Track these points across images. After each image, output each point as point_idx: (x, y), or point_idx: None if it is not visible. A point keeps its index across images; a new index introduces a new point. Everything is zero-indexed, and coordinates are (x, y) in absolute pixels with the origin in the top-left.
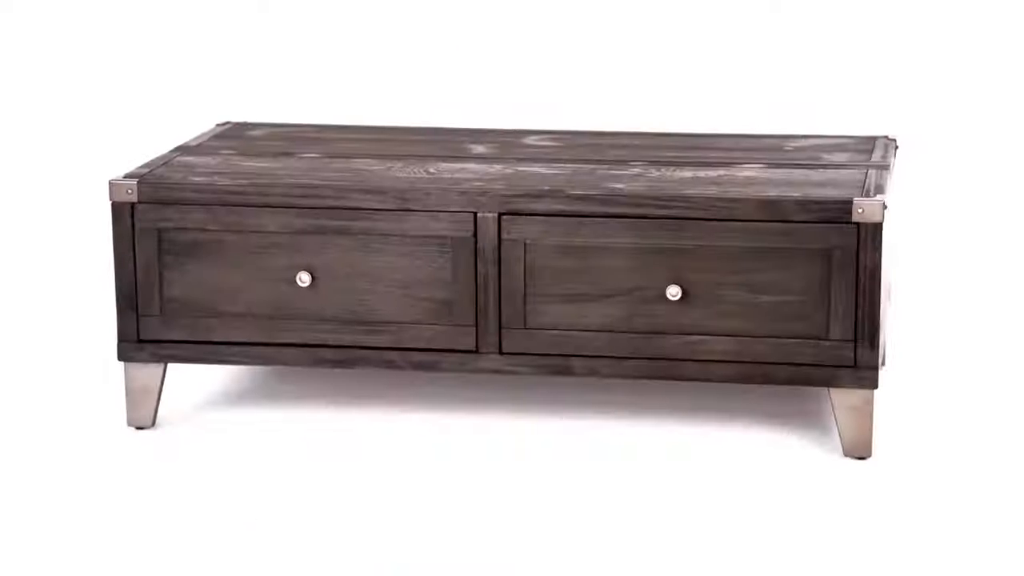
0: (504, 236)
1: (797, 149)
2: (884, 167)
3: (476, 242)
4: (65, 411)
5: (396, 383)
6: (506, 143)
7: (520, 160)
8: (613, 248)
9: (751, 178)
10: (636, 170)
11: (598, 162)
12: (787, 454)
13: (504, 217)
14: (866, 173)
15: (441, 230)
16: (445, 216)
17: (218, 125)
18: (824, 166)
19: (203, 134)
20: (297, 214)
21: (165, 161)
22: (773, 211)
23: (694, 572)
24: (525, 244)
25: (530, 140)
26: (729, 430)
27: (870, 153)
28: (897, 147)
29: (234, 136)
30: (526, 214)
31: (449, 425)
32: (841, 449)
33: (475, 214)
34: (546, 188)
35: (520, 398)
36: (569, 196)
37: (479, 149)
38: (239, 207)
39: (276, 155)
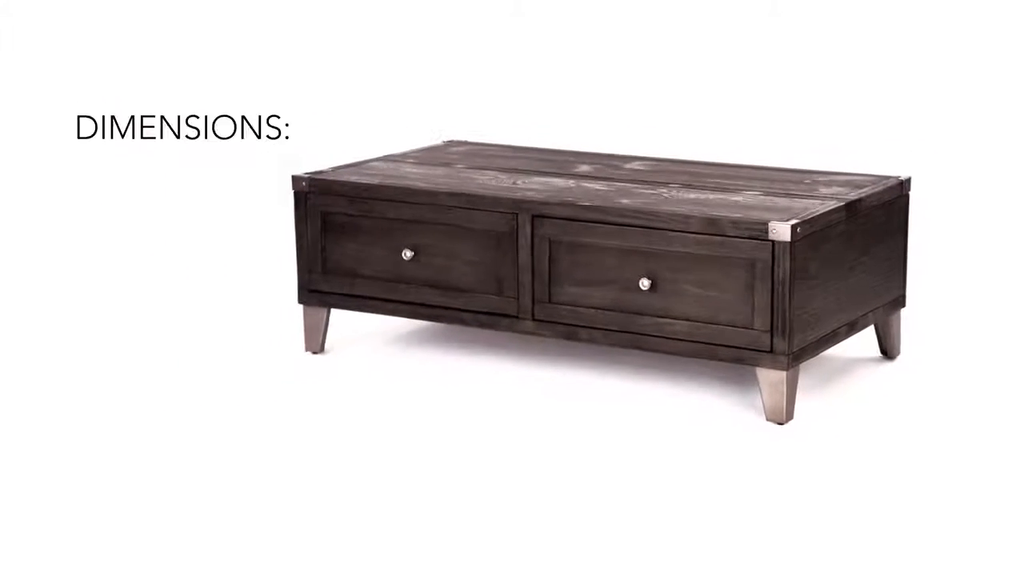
0: (536, 233)
1: (811, 183)
2: (846, 200)
3: (517, 237)
4: (262, 339)
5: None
6: (609, 166)
7: (595, 179)
8: (608, 247)
9: (735, 202)
10: (662, 191)
11: (648, 183)
12: (721, 415)
13: (536, 219)
14: (822, 203)
15: (494, 225)
16: (495, 215)
17: (444, 142)
18: (807, 196)
19: (420, 148)
20: (405, 207)
21: (360, 162)
22: (714, 227)
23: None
24: (550, 240)
25: (630, 165)
26: (681, 391)
27: (859, 189)
28: (903, 184)
29: (436, 150)
30: (551, 217)
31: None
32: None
33: (516, 215)
34: (568, 199)
35: (544, 352)
36: (579, 206)
37: (581, 168)
38: (369, 200)
39: (435, 165)
